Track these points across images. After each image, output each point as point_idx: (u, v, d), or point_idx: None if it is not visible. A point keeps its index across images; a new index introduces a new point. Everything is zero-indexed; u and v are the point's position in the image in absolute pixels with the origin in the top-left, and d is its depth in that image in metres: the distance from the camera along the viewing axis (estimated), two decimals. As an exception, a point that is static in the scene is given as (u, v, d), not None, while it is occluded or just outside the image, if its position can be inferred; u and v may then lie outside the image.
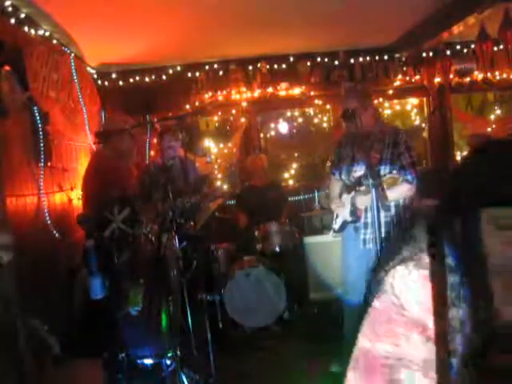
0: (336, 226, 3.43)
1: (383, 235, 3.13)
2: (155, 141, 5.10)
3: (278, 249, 4.60)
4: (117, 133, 3.71)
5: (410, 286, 1.01)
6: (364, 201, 3.11)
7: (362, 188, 3.11)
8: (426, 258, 1.04)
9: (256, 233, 4.67)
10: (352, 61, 5.76)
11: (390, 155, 3.20)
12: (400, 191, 3.09)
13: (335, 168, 3.52)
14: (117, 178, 3.65)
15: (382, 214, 3.12)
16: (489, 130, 5.97)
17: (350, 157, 3.36)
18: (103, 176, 3.57)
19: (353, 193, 3.25)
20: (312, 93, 5.78)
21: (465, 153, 5.78)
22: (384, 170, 3.17)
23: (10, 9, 3.32)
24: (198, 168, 4.55)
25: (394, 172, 3.06)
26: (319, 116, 6.78)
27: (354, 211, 3.26)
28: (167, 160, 3.91)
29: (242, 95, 5.70)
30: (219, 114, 5.94)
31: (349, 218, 3.29)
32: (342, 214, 3.35)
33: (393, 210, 3.17)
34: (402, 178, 3.00)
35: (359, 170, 3.22)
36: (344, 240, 3.48)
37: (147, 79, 5.56)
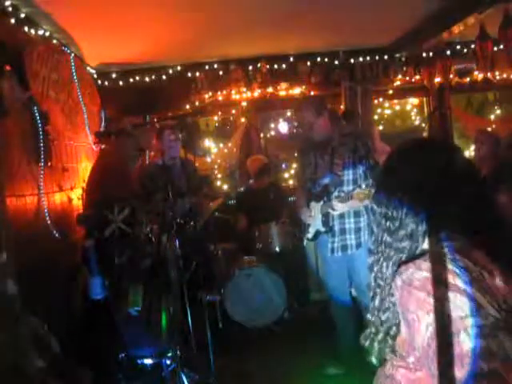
0: (309, 235, 3.40)
1: (355, 242, 3.18)
2: (155, 141, 5.10)
3: (277, 249, 4.60)
4: (121, 133, 3.71)
5: None
6: (340, 207, 3.10)
7: (339, 195, 3.12)
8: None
9: (256, 233, 4.67)
10: (352, 61, 5.76)
11: (352, 160, 3.16)
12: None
13: (300, 176, 3.49)
14: (123, 178, 3.65)
15: (352, 220, 3.18)
16: (489, 129, 5.96)
17: (313, 164, 3.30)
18: (111, 176, 3.56)
19: (321, 202, 3.23)
20: (312, 93, 5.78)
21: (466, 151, 5.77)
22: (353, 181, 3.14)
23: (10, 9, 3.32)
24: (198, 168, 4.55)
25: (365, 186, 2.99)
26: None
27: (326, 221, 3.24)
28: (167, 160, 3.91)
29: (242, 95, 5.70)
30: (219, 113, 5.94)
31: (322, 229, 3.28)
32: (314, 223, 3.32)
33: (363, 216, 3.18)
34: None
35: (324, 178, 3.19)
36: (319, 247, 3.51)
37: (147, 79, 5.56)
